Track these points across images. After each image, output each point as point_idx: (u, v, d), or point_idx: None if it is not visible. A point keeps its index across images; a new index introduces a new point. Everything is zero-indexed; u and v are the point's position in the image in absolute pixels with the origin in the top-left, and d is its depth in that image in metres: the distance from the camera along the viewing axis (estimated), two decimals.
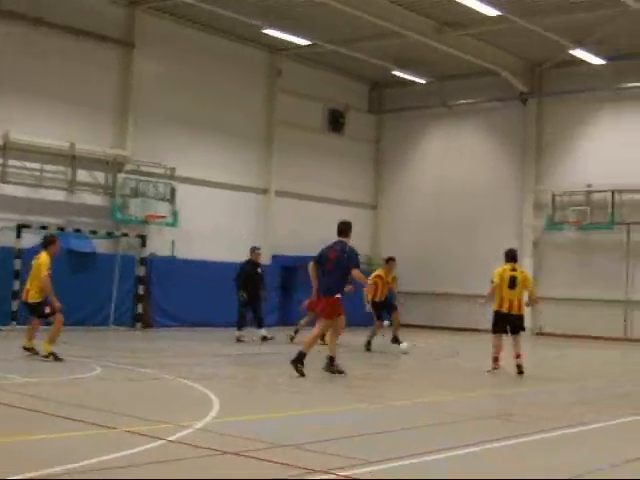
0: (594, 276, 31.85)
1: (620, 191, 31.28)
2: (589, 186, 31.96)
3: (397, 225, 36.69)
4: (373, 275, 21.87)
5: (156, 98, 29.24)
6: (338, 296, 15.59)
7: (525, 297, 17.40)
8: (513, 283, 16.78)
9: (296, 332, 23.57)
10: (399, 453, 8.45)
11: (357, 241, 35.60)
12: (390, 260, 22.48)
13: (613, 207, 31.34)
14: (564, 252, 33.04)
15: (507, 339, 16.98)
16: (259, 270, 24.05)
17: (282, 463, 7.87)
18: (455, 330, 32.43)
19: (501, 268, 17.06)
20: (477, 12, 26.63)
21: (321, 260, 15.92)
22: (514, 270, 17.02)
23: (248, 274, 23.67)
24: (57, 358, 16.01)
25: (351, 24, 28.81)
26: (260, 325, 23.77)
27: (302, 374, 14.89)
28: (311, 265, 16.02)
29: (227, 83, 31.45)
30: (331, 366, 15.49)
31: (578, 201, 32.18)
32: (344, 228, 16.26)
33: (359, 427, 10.20)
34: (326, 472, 7.57)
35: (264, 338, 23.28)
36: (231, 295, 24.25)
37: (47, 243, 16.84)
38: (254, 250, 24.38)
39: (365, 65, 34.03)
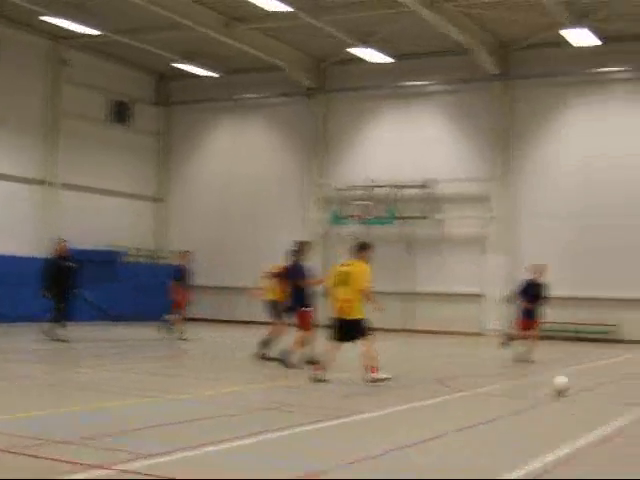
0: (377, 269, 32.47)
1: (400, 186, 32.26)
2: (372, 181, 32.77)
3: (186, 218, 36.55)
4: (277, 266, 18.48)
5: None
6: (304, 309, 16.70)
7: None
8: (342, 280, 14.29)
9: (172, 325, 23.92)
10: (179, 445, 8.42)
11: (141, 235, 35.90)
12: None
13: (395, 202, 32.27)
14: (349, 246, 33.65)
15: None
16: (70, 264, 21.95)
17: (56, 459, 7.70)
18: (241, 323, 32.44)
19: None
20: (264, 8, 26.85)
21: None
22: (348, 265, 14.64)
23: (58, 269, 21.59)
24: None
25: (138, 14, 28.50)
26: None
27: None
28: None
29: (8, 71, 30.40)
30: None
31: (361, 196, 32.95)
32: (300, 248, 16.94)
33: (140, 421, 10.09)
34: (102, 467, 7.45)
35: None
36: (12, 289, 23.36)
37: None
38: (60, 242, 22.47)
39: (152, 57, 33.69)
